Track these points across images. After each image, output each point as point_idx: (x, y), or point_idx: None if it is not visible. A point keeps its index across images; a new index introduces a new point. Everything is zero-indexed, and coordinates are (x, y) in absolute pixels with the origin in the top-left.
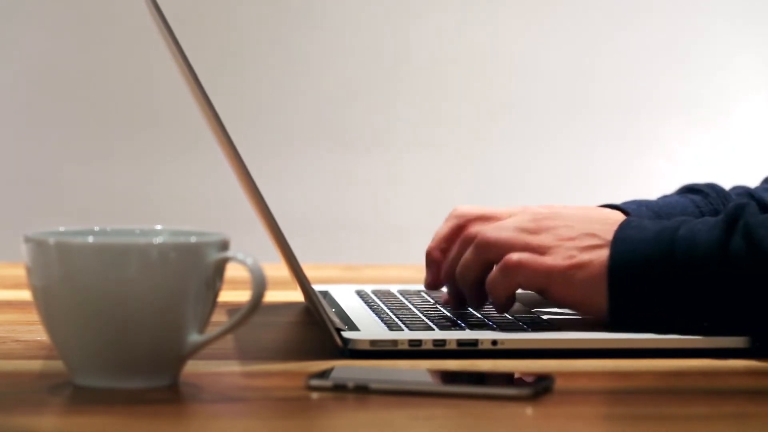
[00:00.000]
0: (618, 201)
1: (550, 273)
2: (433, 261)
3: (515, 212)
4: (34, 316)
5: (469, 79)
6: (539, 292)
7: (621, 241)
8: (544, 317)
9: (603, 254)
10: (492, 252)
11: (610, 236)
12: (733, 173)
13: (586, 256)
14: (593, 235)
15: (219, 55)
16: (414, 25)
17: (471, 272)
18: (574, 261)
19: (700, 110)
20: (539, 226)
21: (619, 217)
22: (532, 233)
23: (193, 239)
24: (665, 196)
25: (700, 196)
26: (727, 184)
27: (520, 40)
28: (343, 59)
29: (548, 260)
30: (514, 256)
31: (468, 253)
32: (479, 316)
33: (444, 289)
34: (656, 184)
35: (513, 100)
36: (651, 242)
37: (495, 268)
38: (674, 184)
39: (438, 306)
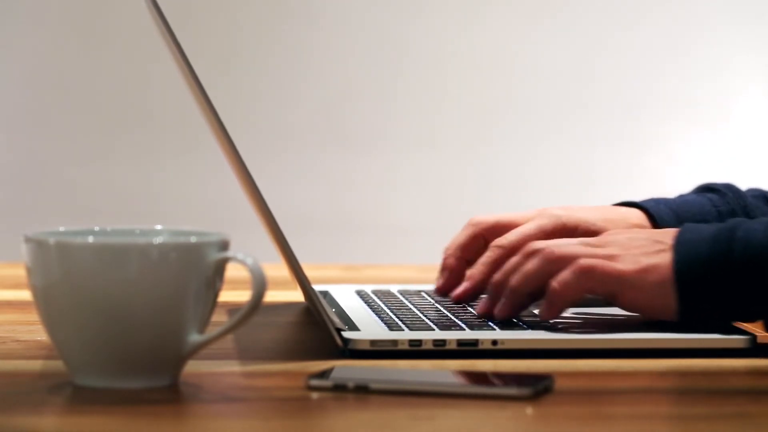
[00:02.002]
0: (619, 200)
1: (621, 278)
2: (447, 267)
3: (532, 216)
4: (34, 316)
5: (469, 79)
6: (608, 296)
7: (682, 244)
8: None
9: (668, 257)
10: (560, 263)
11: (671, 240)
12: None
13: (653, 260)
14: (657, 241)
15: (219, 55)
16: (414, 25)
17: (530, 283)
18: (642, 265)
19: (701, 110)
20: (604, 240)
21: (638, 214)
22: (598, 246)
23: (193, 239)
24: (683, 195)
25: (717, 195)
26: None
27: (520, 40)
28: (342, 59)
29: (618, 266)
30: (588, 261)
31: (532, 265)
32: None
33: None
34: (656, 183)
35: (513, 100)
36: (710, 242)
37: (565, 271)
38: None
39: (438, 306)
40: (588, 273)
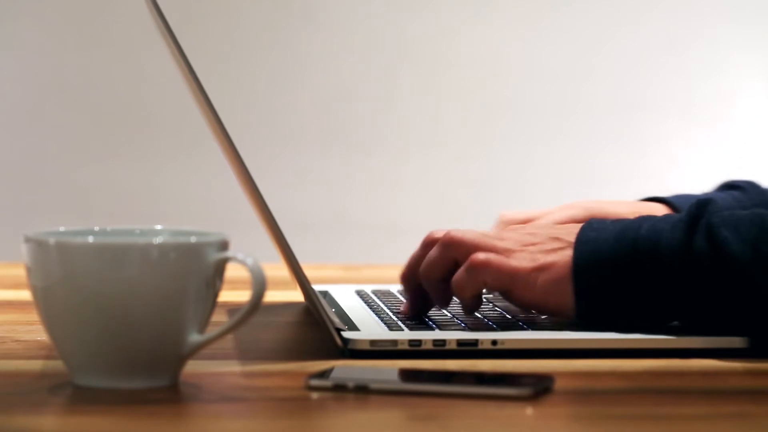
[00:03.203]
0: (619, 199)
1: (515, 274)
2: None
3: (562, 209)
4: (34, 316)
5: (469, 79)
6: (503, 293)
7: (584, 242)
8: (543, 317)
9: (566, 255)
10: (457, 250)
11: (572, 238)
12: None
13: (549, 258)
14: (556, 239)
15: (219, 56)
16: (414, 26)
17: (436, 270)
18: (537, 263)
19: (701, 110)
20: (503, 234)
21: (665, 210)
22: (497, 238)
23: (193, 239)
24: (706, 193)
25: (739, 192)
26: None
27: (520, 40)
28: (342, 59)
29: (513, 262)
30: (481, 255)
31: (433, 251)
32: (479, 315)
33: (400, 297)
34: (657, 183)
35: (513, 101)
36: (613, 242)
37: (461, 267)
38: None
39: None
40: (481, 268)
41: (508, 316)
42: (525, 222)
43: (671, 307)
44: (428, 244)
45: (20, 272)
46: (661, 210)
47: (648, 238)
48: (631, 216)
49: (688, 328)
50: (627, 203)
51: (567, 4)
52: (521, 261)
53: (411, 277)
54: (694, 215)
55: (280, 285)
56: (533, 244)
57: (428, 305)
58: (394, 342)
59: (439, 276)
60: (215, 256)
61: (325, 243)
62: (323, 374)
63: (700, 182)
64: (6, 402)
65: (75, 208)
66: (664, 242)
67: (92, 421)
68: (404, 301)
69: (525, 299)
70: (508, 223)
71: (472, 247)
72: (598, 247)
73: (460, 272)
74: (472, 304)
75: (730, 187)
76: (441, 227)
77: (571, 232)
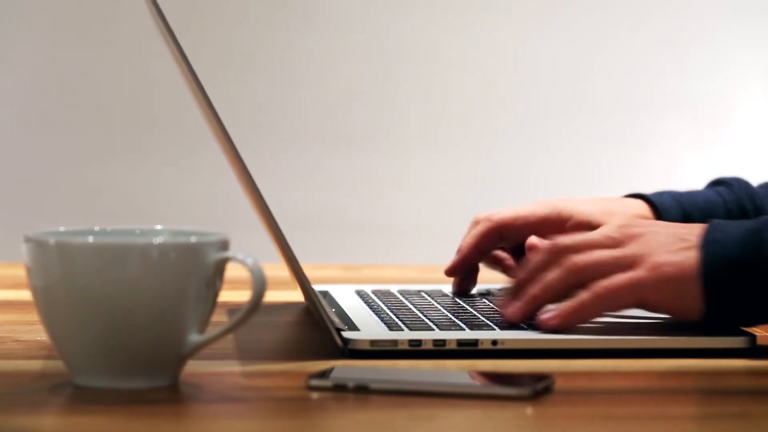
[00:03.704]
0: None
1: (642, 285)
2: (459, 252)
3: (530, 206)
4: (34, 316)
5: (469, 79)
6: (636, 307)
7: (710, 243)
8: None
9: (693, 255)
10: (581, 276)
11: (696, 238)
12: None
13: (677, 258)
14: (682, 239)
15: (219, 56)
16: (416, 26)
17: (549, 294)
18: (663, 265)
19: (701, 110)
20: (628, 234)
21: (639, 205)
22: (620, 245)
23: (193, 239)
24: (692, 190)
25: (723, 187)
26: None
27: (521, 40)
28: (342, 59)
29: (636, 273)
30: (604, 284)
31: (555, 276)
32: (479, 316)
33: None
34: (657, 183)
35: (514, 101)
36: (740, 244)
37: (585, 291)
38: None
39: (438, 306)
40: (609, 296)
41: None
42: (506, 222)
43: None
44: (550, 256)
45: (20, 272)
46: (635, 205)
47: None
48: (599, 213)
49: (687, 328)
50: (597, 200)
51: (569, 5)
52: (646, 268)
53: (520, 288)
54: None
55: (280, 285)
56: (659, 244)
57: (533, 315)
58: (394, 342)
59: (556, 299)
60: (215, 256)
61: (325, 243)
62: (323, 374)
63: (702, 182)
64: (6, 402)
65: (75, 208)
66: None
67: (92, 421)
68: (406, 302)
69: (656, 304)
70: (490, 222)
71: (597, 272)
72: (724, 248)
73: (586, 299)
74: (568, 327)
75: (716, 183)
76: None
77: (694, 232)
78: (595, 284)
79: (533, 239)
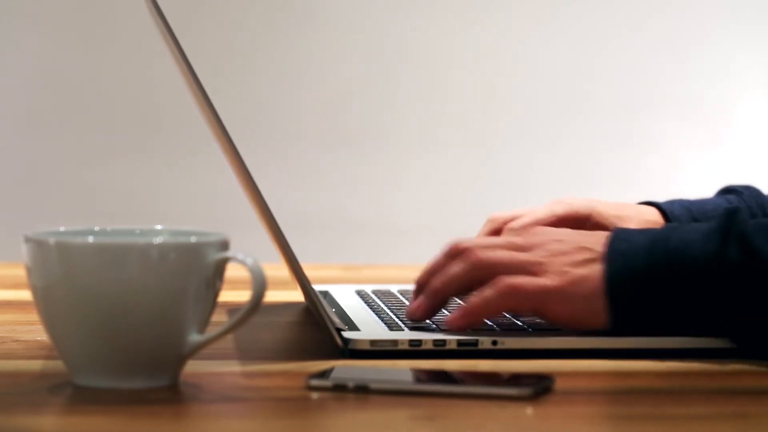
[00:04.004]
0: (619, 200)
1: (546, 294)
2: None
3: (545, 206)
4: (34, 316)
5: (469, 80)
6: (534, 312)
7: (615, 255)
8: None
9: (597, 269)
10: (484, 272)
11: (601, 249)
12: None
13: (580, 271)
14: (585, 249)
15: (220, 56)
16: (416, 26)
17: (453, 287)
18: (569, 277)
19: (702, 110)
20: (530, 242)
21: (652, 212)
22: (523, 250)
23: (193, 239)
24: (703, 198)
25: (734, 195)
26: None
27: (521, 41)
28: (342, 60)
29: (543, 281)
30: (509, 280)
31: (457, 267)
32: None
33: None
34: (657, 183)
35: (514, 101)
36: (645, 255)
37: (489, 288)
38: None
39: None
40: (511, 293)
41: (508, 316)
42: (512, 219)
43: (705, 317)
44: (452, 254)
45: (20, 272)
46: (648, 211)
47: (680, 249)
48: (614, 215)
49: (688, 329)
50: (615, 204)
51: (569, 5)
52: (552, 278)
53: (424, 285)
54: (725, 225)
55: (280, 285)
56: (563, 254)
57: (437, 311)
58: (395, 342)
59: (455, 294)
60: (215, 256)
61: (326, 243)
62: (323, 374)
63: (702, 183)
64: (6, 402)
65: (75, 208)
66: (697, 253)
67: (92, 421)
68: (406, 302)
69: (558, 316)
70: (495, 222)
71: (500, 269)
72: (629, 260)
73: (490, 293)
74: (464, 327)
75: (727, 191)
76: (441, 227)
77: (599, 242)
78: (499, 280)
79: (512, 224)
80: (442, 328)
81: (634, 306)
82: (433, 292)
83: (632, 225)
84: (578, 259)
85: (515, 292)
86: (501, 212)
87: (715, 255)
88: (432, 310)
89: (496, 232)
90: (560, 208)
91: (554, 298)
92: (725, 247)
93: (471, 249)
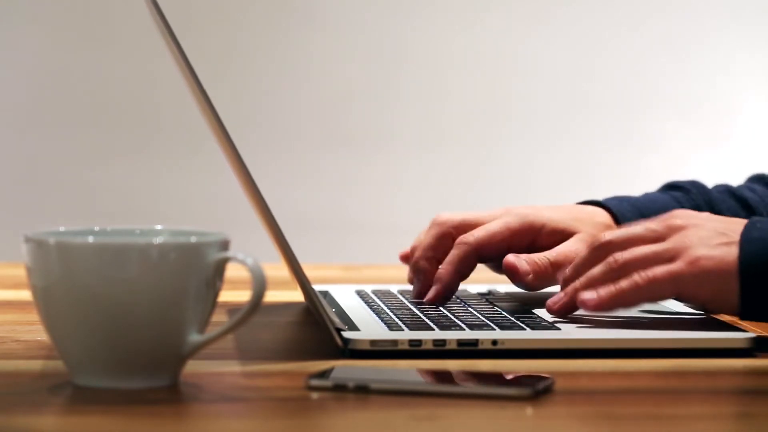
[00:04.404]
0: (582, 199)
1: (680, 277)
2: (421, 270)
3: (497, 215)
4: (34, 316)
5: (470, 80)
6: (674, 298)
7: (751, 241)
8: (544, 317)
9: (731, 251)
10: (624, 271)
11: (736, 236)
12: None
13: (716, 252)
14: (723, 234)
15: (220, 56)
16: (415, 27)
17: (598, 284)
18: (702, 259)
19: (702, 110)
20: (668, 228)
21: (603, 214)
22: (660, 239)
23: (193, 239)
24: (647, 193)
25: (681, 193)
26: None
27: (522, 40)
28: (342, 60)
29: (675, 266)
30: (643, 274)
31: (598, 271)
32: (479, 316)
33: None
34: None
35: (514, 101)
36: None
37: (624, 280)
38: None
39: (438, 306)
40: (647, 287)
41: (508, 316)
42: (461, 224)
43: None
44: (596, 250)
45: (20, 272)
46: (600, 214)
47: None
48: (569, 221)
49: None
50: (564, 208)
51: (569, 5)
52: (685, 262)
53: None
54: None
55: (280, 285)
56: (698, 237)
57: (576, 309)
58: (394, 342)
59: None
60: (215, 256)
61: (326, 243)
62: (323, 374)
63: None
64: (6, 402)
65: (75, 208)
66: None
67: (92, 421)
68: (406, 302)
69: (694, 297)
70: (443, 225)
71: (645, 263)
72: (764, 246)
73: (626, 288)
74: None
75: (671, 187)
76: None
77: (736, 229)
78: (635, 274)
79: (511, 258)
80: (586, 313)
81: (765, 292)
82: (574, 290)
83: (587, 228)
84: (715, 242)
85: (650, 285)
86: (448, 214)
87: None
88: (572, 308)
89: (445, 236)
90: (514, 222)
91: (688, 280)
92: None
93: (611, 250)
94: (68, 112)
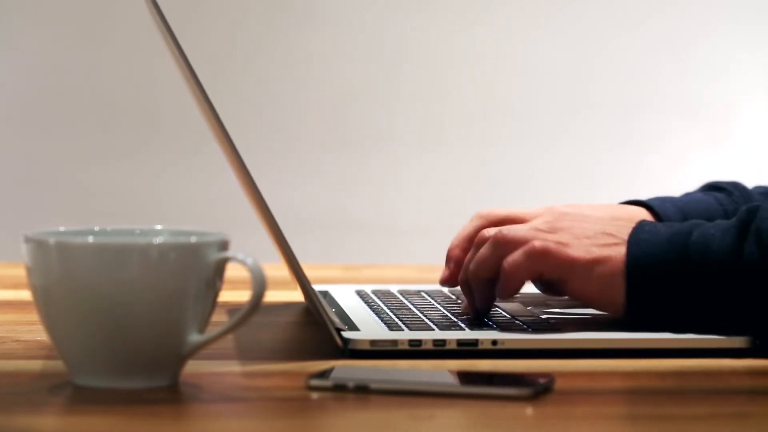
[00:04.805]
0: (626, 199)
1: (573, 263)
2: (452, 258)
3: (540, 213)
4: (34, 316)
5: (470, 80)
6: (558, 282)
7: (637, 243)
8: (544, 317)
9: (621, 251)
10: (509, 247)
11: (625, 235)
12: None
13: (605, 252)
14: (610, 234)
15: (220, 56)
16: (416, 27)
17: (485, 269)
18: (594, 255)
19: (703, 110)
20: (555, 227)
21: (644, 213)
22: (550, 232)
23: (193, 239)
24: (689, 193)
25: (723, 194)
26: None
27: (522, 40)
28: (342, 60)
29: (571, 251)
30: (539, 243)
31: (484, 249)
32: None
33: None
34: (657, 183)
35: (514, 101)
36: (665, 246)
37: (517, 251)
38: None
39: (438, 306)
40: (540, 255)
41: (508, 316)
42: (503, 220)
43: (717, 309)
44: (479, 243)
45: (20, 272)
46: (640, 213)
47: (699, 243)
48: (609, 220)
49: (691, 328)
50: (604, 207)
51: (569, 5)
52: (578, 251)
53: (465, 279)
54: (744, 221)
55: (280, 285)
56: (587, 238)
57: (490, 304)
58: (394, 342)
59: (488, 275)
60: (215, 256)
61: (325, 243)
62: (323, 374)
63: (703, 183)
64: (6, 402)
65: (75, 208)
66: (715, 247)
67: (92, 421)
68: (406, 302)
69: (579, 290)
70: (484, 219)
71: (524, 243)
72: (650, 248)
73: (518, 255)
74: (516, 290)
75: (713, 188)
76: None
77: (623, 231)
78: (530, 244)
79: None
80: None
81: (650, 293)
82: (471, 277)
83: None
84: (603, 242)
85: (544, 255)
86: (491, 209)
87: (732, 250)
88: (481, 295)
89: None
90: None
91: (579, 271)
92: (742, 242)
93: (498, 231)
94: (68, 113)
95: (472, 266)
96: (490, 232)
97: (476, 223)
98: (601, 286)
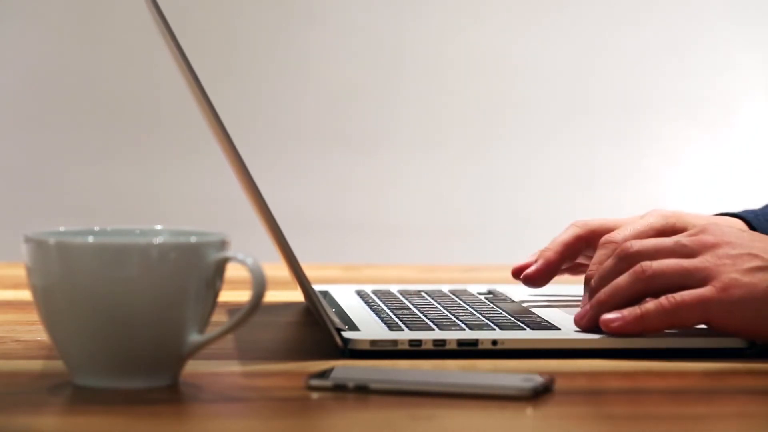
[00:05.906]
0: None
1: (708, 304)
2: (543, 257)
3: (634, 220)
4: (34, 316)
5: (470, 80)
6: (702, 324)
7: None
8: (544, 317)
9: (764, 278)
10: (651, 284)
11: None
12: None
13: (747, 279)
14: (756, 257)
15: (219, 56)
16: (415, 26)
17: (618, 299)
18: (732, 287)
19: (702, 110)
20: (699, 244)
21: (741, 224)
22: (690, 255)
23: (193, 239)
24: None
25: None
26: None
27: (521, 40)
28: (342, 60)
29: (704, 291)
30: (671, 299)
31: (624, 282)
32: (479, 316)
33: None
34: (657, 184)
35: (514, 101)
36: None
37: (651, 302)
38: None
39: (438, 306)
40: (673, 311)
41: (507, 316)
42: (599, 229)
43: None
44: (620, 258)
45: (20, 272)
46: (739, 224)
47: None
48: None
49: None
50: (705, 217)
51: (569, 5)
52: (715, 287)
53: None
54: None
55: (280, 285)
56: (731, 259)
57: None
58: (394, 342)
59: (624, 305)
60: (215, 256)
61: (325, 243)
62: (323, 374)
63: (702, 183)
64: (6, 402)
65: (75, 208)
66: None
67: (92, 421)
68: (406, 302)
69: (723, 325)
70: (581, 227)
71: (666, 281)
72: None
73: (651, 311)
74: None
75: None
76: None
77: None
78: (663, 297)
79: (607, 236)
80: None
81: None
82: (598, 303)
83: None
84: (747, 266)
85: (677, 310)
86: (587, 219)
87: None
88: (596, 320)
89: (581, 238)
90: (657, 222)
91: (716, 308)
92: None
93: (639, 259)
94: (68, 112)
95: (606, 294)
96: (634, 249)
97: (573, 230)
98: (746, 317)
